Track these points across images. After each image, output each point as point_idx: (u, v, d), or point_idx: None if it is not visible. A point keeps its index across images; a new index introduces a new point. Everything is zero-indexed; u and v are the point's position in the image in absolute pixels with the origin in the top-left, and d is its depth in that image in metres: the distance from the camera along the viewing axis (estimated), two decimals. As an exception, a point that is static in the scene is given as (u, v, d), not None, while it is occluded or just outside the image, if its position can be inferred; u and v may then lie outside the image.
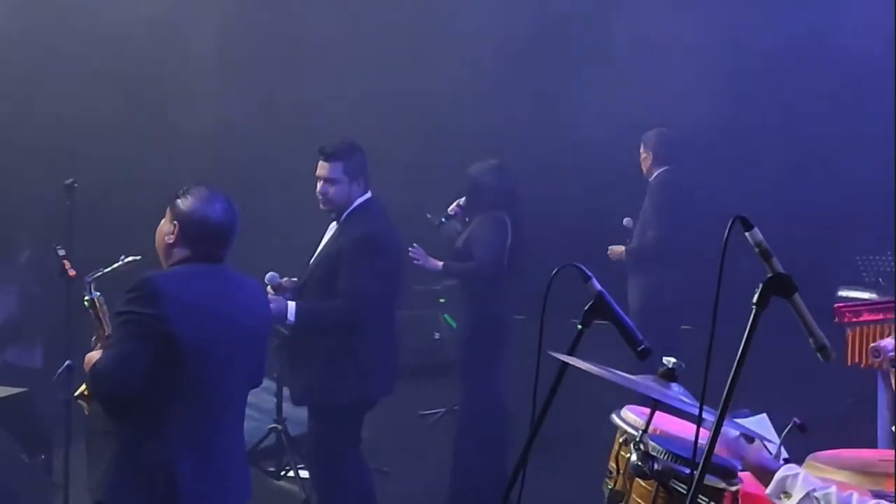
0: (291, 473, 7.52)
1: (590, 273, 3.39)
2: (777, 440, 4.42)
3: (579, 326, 3.36)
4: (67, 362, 4.43)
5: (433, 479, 7.50)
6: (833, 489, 3.20)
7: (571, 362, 3.19)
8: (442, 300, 9.71)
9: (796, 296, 2.93)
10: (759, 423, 4.62)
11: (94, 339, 4.35)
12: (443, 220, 7.16)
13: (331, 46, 10.77)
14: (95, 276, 4.57)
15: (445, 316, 9.74)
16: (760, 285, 2.91)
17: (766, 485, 3.28)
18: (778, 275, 2.92)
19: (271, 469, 7.77)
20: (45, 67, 9.99)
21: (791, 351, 3.02)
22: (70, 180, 6.48)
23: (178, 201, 4.27)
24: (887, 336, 4.19)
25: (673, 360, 3.30)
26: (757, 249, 2.95)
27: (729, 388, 2.90)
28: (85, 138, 9.83)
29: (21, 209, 10.30)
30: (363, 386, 6.10)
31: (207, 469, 4.17)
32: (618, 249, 8.32)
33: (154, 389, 4.04)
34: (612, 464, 3.60)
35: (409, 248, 7.13)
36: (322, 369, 6.08)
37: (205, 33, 10.68)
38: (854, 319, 4.40)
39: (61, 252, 6.39)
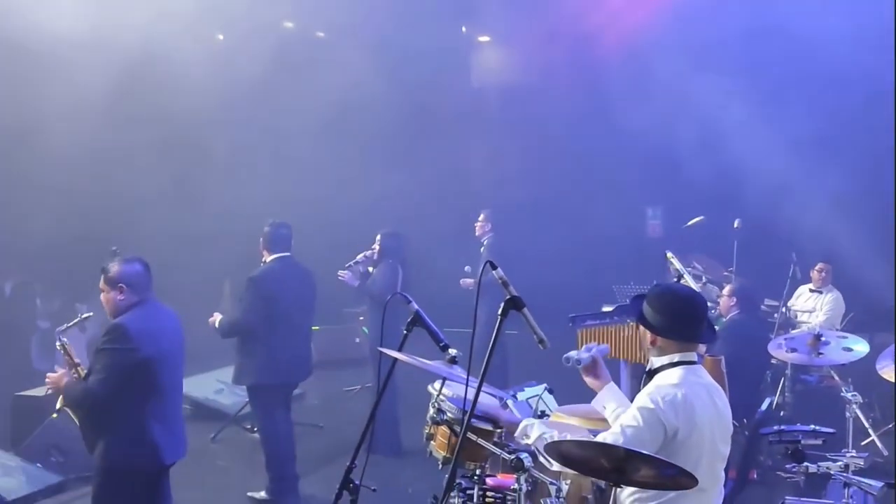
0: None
1: (410, 298, 3.49)
2: (550, 398, 4.55)
3: (404, 331, 3.44)
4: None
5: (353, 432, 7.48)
6: (555, 432, 3.28)
7: (396, 356, 3.28)
8: (361, 318, 9.98)
9: (525, 309, 2.98)
10: (539, 389, 4.72)
11: (68, 369, 4.24)
12: (352, 263, 7.28)
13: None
14: (63, 329, 4.42)
15: (363, 328, 9.86)
16: (503, 303, 3.00)
17: (514, 432, 3.37)
18: (513, 297, 2.99)
19: (247, 426, 7.70)
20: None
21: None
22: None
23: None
24: (604, 339, 4.27)
25: (454, 351, 3.39)
26: (500, 280, 3.04)
27: (484, 367, 2.95)
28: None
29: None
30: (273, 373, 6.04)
31: (169, 433, 4.20)
32: (468, 281, 8.42)
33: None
34: (428, 416, 3.71)
35: (340, 271, 7.18)
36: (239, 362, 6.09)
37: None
38: (581, 324, 4.52)
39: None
